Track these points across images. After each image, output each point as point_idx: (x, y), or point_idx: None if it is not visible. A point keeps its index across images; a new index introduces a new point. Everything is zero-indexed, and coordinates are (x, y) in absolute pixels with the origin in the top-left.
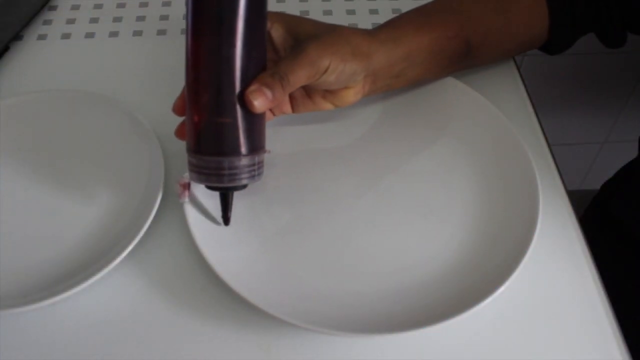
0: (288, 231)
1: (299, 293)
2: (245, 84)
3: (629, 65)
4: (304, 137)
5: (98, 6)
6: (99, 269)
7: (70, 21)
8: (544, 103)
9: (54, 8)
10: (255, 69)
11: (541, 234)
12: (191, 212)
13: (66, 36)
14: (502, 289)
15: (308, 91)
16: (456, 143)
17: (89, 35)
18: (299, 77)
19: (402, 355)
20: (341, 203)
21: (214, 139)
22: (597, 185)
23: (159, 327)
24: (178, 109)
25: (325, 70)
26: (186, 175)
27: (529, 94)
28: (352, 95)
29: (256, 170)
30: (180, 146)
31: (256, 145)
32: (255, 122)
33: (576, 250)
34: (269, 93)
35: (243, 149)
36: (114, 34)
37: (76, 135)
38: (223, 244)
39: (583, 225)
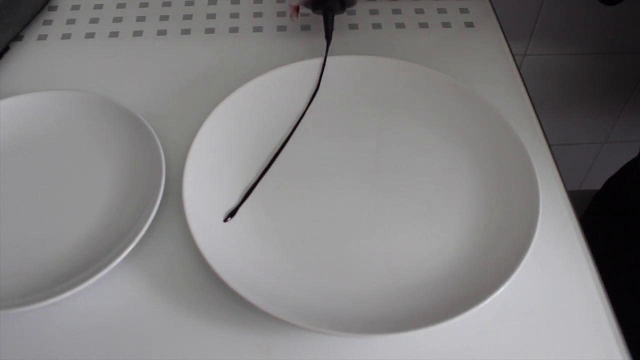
0: (288, 231)
1: (299, 293)
2: None
3: (629, 65)
4: (305, 139)
5: (98, 6)
6: (99, 269)
7: (70, 21)
8: (544, 103)
9: (54, 8)
10: None
11: (541, 234)
12: (191, 212)
13: (66, 36)
14: (502, 289)
15: None
16: (456, 143)
17: (89, 35)
18: None
19: (402, 355)
20: (341, 203)
21: None
22: (597, 186)
23: (159, 327)
24: None
25: None
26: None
27: (529, 94)
28: None
29: None
30: (180, 146)
31: None
32: None
33: (576, 250)
34: None
35: None
36: (114, 34)
37: (76, 135)
38: (223, 244)
39: (583, 225)
